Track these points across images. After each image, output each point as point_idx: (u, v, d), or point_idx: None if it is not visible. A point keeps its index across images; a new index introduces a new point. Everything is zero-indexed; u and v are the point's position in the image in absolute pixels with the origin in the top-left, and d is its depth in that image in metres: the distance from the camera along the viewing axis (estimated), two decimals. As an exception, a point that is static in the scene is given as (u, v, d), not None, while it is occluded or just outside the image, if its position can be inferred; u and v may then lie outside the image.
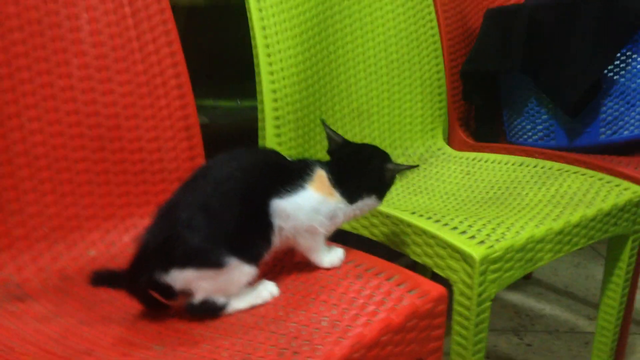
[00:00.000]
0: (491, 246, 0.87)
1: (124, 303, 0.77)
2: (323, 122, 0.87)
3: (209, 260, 0.68)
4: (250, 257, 0.71)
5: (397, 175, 0.82)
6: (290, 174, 0.74)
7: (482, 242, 0.88)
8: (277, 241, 0.74)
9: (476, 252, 0.85)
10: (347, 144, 0.83)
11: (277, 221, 0.73)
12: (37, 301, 0.78)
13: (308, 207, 0.74)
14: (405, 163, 1.39)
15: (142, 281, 0.70)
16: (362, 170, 0.78)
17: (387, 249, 0.98)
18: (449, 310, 0.82)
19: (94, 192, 0.90)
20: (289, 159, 0.78)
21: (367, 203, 0.78)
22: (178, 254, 0.68)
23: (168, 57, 0.96)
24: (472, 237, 0.89)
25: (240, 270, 0.70)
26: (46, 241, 0.85)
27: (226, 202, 0.69)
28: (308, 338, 0.62)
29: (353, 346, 0.61)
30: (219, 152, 1.02)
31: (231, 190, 0.70)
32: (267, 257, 0.74)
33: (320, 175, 0.76)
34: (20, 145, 0.83)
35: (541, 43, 1.29)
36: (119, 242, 0.90)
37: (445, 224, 0.93)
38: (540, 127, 1.39)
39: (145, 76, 0.93)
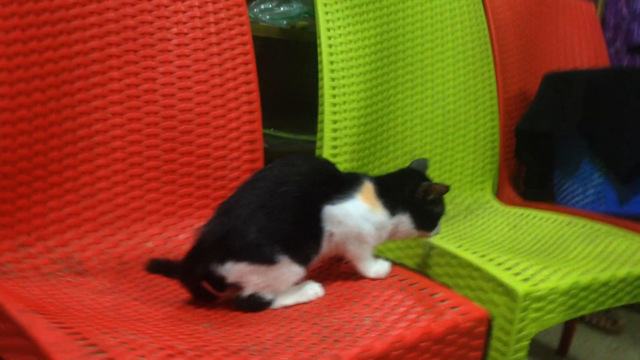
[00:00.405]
0: (535, 284, 0.88)
1: (176, 289, 0.81)
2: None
3: (263, 256, 0.72)
4: (300, 258, 0.74)
5: (441, 201, 0.85)
6: (342, 183, 0.79)
7: (526, 279, 0.89)
8: (326, 246, 0.77)
9: (520, 287, 0.86)
10: (412, 169, 0.87)
11: (327, 226, 0.76)
12: (95, 277, 0.83)
13: (357, 215, 0.77)
14: (453, 212, 1.41)
15: (197, 270, 0.74)
16: (400, 184, 0.82)
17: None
18: (487, 346, 0.83)
19: (159, 189, 0.96)
20: (340, 170, 0.83)
21: (402, 220, 0.81)
22: (235, 247, 0.72)
23: (243, 75, 1.03)
24: (517, 274, 0.90)
25: (290, 269, 0.74)
26: (111, 227, 0.91)
27: (283, 203, 0.74)
28: (350, 331, 0.65)
29: (393, 344, 0.63)
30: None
31: (288, 193, 0.74)
32: (316, 261, 0.77)
33: (368, 186, 0.80)
34: (102, 135, 0.91)
35: (598, 108, 1.32)
36: (174, 239, 0.95)
37: (491, 259, 0.95)
38: (591, 191, 1.40)
39: (221, 89, 1.00)
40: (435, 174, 1.42)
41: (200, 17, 1.00)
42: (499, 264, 0.93)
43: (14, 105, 0.80)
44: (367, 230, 0.78)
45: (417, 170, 0.88)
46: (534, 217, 1.35)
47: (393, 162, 1.35)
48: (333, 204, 0.77)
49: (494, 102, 1.48)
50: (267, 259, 0.71)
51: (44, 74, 0.84)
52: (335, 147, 1.19)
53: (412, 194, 0.83)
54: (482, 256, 0.96)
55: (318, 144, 1.21)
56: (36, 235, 0.83)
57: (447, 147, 1.42)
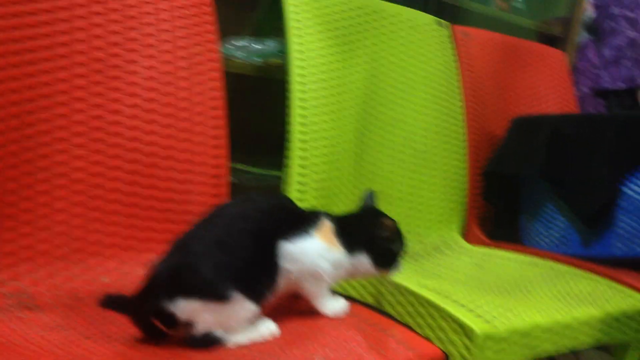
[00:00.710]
0: (495, 325, 0.88)
1: (129, 326, 0.79)
2: (369, 194, 0.92)
3: (214, 293, 0.71)
4: (254, 295, 0.73)
5: (394, 238, 0.84)
6: (299, 220, 0.78)
7: (485, 320, 0.89)
8: (282, 283, 0.76)
9: (479, 327, 0.86)
10: (369, 207, 0.87)
11: (283, 263, 0.76)
12: (46, 313, 0.80)
13: (313, 253, 0.77)
14: (420, 251, 1.42)
15: (147, 307, 0.73)
16: (359, 223, 0.82)
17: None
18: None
19: (119, 222, 0.94)
20: (299, 207, 0.83)
21: (361, 261, 0.81)
22: (186, 283, 0.71)
23: (211, 110, 1.03)
24: (477, 314, 0.90)
25: (243, 306, 0.73)
26: (65, 261, 0.89)
27: (237, 239, 0.73)
28: (302, 372, 0.64)
29: (344, 385, 0.62)
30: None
31: (243, 229, 0.74)
32: (270, 298, 0.76)
33: (326, 224, 0.80)
34: (62, 167, 0.90)
35: (563, 153, 1.35)
36: (132, 274, 0.94)
37: (452, 299, 0.95)
38: (556, 233, 1.42)
39: (189, 123, 1.00)
40: (404, 214, 1.42)
41: (170, 52, 1.00)
42: (460, 304, 0.93)
43: (-29, 134, 0.79)
44: (323, 268, 0.78)
45: (376, 210, 0.88)
46: (499, 257, 1.35)
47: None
48: (290, 241, 0.76)
49: (463, 144, 1.50)
50: (219, 296, 0.70)
51: (5, 103, 0.83)
52: (302, 183, 1.19)
53: (369, 233, 0.83)
54: (444, 295, 0.96)
55: (285, 179, 1.21)
56: (-13, 268, 0.81)
57: (415, 186, 1.43)
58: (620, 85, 1.85)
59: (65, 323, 0.78)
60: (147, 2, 1.01)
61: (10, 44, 0.85)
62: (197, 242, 0.72)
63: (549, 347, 0.95)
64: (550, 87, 1.79)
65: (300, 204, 1.18)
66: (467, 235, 1.52)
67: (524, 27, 2.04)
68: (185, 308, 0.71)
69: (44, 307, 0.82)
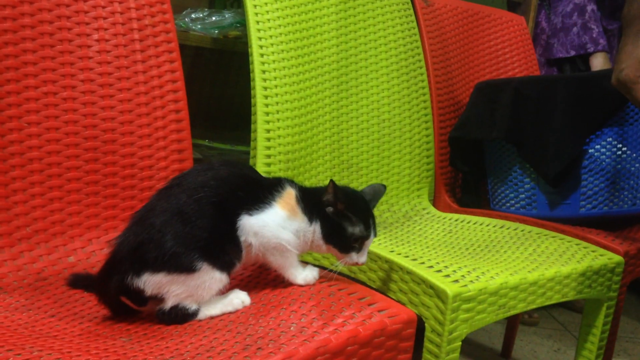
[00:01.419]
0: (465, 285, 0.88)
1: (94, 304, 0.77)
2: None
3: (181, 264, 0.69)
4: (222, 264, 0.72)
5: (350, 218, 0.79)
6: (261, 190, 0.76)
7: (456, 281, 0.89)
8: (246, 255, 0.75)
9: (450, 288, 0.86)
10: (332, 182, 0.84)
11: (244, 237, 0.74)
12: (11, 295, 0.78)
13: (274, 225, 0.75)
14: (390, 219, 1.42)
15: (113, 285, 0.71)
16: (319, 191, 0.79)
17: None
18: (419, 348, 0.82)
19: (81, 201, 0.92)
20: (262, 176, 0.81)
21: (315, 230, 0.78)
22: (151, 257, 0.69)
23: (170, 83, 1.01)
24: (447, 275, 0.91)
25: (212, 276, 0.71)
26: (28, 242, 0.86)
27: (199, 209, 0.71)
28: (274, 338, 0.63)
29: (318, 349, 0.61)
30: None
31: (204, 198, 0.72)
32: (239, 267, 0.75)
33: (289, 193, 0.78)
34: (16, 146, 0.86)
35: (526, 115, 1.36)
36: (99, 252, 0.91)
37: (422, 263, 0.95)
38: (522, 195, 1.43)
39: (146, 97, 0.97)
40: (372, 182, 1.41)
41: (122, 24, 0.97)
42: (430, 267, 0.93)
43: None
44: (285, 239, 0.76)
45: (347, 187, 0.85)
46: (469, 222, 1.36)
47: (329, 172, 1.35)
48: (250, 214, 0.74)
49: (428, 112, 1.50)
50: (185, 267, 0.69)
51: (-49, 81, 0.80)
52: (268, 156, 1.18)
53: (322, 199, 0.79)
54: (414, 260, 0.96)
55: (252, 153, 1.19)
56: (-57, 252, 0.78)
57: (383, 155, 1.43)
58: (572, 52, 1.86)
59: (31, 303, 0.76)
60: (98, -26, 0.97)
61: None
62: (157, 215, 0.70)
63: (519, 305, 0.96)
64: (512, 51, 1.80)
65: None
66: (436, 203, 1.53)
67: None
68: (152, 282, 0.69)
69: (7, 288, 0.80)
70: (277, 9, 1.25)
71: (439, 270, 0.92)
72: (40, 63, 0.89)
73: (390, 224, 1.38)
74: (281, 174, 1.20)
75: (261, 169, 1.17)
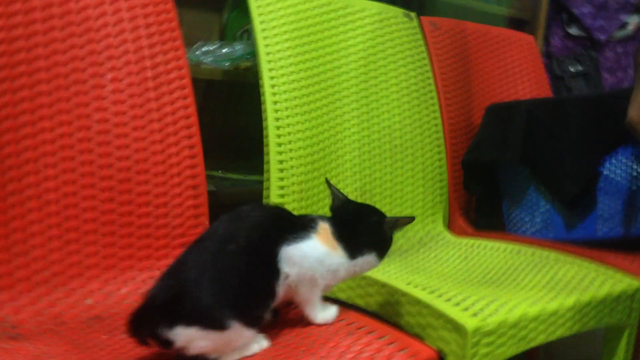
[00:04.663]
0: (484, 319, 0.87)
1: (114, 349, 0.77)
2: (327, 182, 0.90)
3: (214, 321, 0.69)
4: (252, 321, 0.72)
5: (394, 234, 0.84)
6: (297, 226, 0.77)
7: (475, 314, 0.88)
8: (281, 291, 0.75)
9: (469, 323, 0.85)
10: (349, 201, 0.86)
11: (284, 267, 0.74)
12: (30, 341, 0.78)
13: (313, 257, 0.76)
14: (405, 246, 1.41)
15: (144, 333, 0.71)
16: (362, 225, 0.80)
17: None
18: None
19: (98, 241, 0.92)
20: (293, 214, 0.81)
21: (367, 260, 0.80)
22: (184, 312, 0.69)
23: (183, 119, 1.01)
24: (466, 309, 0.90)
25: (241, 334, 0.71)
26: (46, 285, 0.87)
27: (232, 262, 0.71)
28: (294, 385, 0.62)
29: (339, 395, 0.61)
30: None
31: (237, 249, 0.72)
32: (267, 317, 0.75)
33: (325, 228, 0.78)
34: (34, 189, 0.87)
35: (539, 137, 1.35)
36: (116, 293, 0.91)
37: (440, 296, 0.94)
38: (538, 219, 1.42)
39: (160, 135, 0.98)
40: (386, 209, 1.41)
41: (135, 63, 0.98)
42: (448, 300, 0.92)
43: None
44: (320, 273, 0.77)
45: (364, 205, 0.86)
46: (485, 247, 1.35)
47: (343, 199, 1.34)
48: (289, 244, 0.75)
49: (440, 135, 1.50)
50: (217, 325, 0.69)
51: (-31, 128, 0.81)
52: (282, 187, 1.18)
53: (379, 235, 0.81)
54: (431, 292, 0.95)
55: (265, 184, 1.19)
56: (-36, 300, 0.78)
57: (396, 181, 1.43)
58: None
59: (51, 350, 0.76)
60: (107, 14, 0.98)
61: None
62: (190, 269, 0.70)
63: (540, 337, 0.94)
64: (522, 71, 1.79)
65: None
66: (451, 226, 1.52)
67: (492, 13, 2.04)
68: (183, 335, 0.69)
69: (28, 335, 0.80)
70: (287, 40, 1.26)
71: (457, 303, 0.91)
72: (56, 105, 0.90)
73: (405, 251, 1.38)
74: (295, 204, 1.20)
75: (275, 199, 1.17)
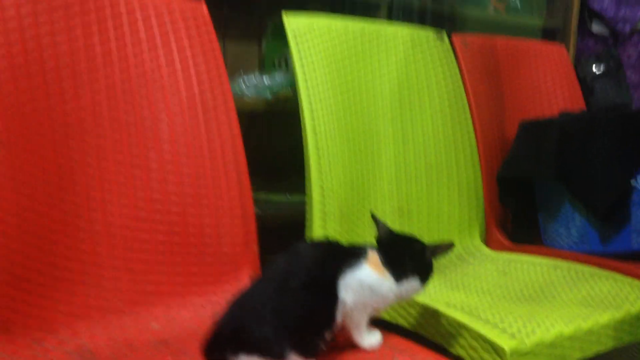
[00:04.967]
0: (522, 340, 0.92)
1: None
2: (373, 215, 0.97)
3: (272, 352, 0.76)
4: (311, 352, 0.79)
5: (435, 260, 0.90)
6: (350, 255, 0.84)
7: (513, 335, 0.93)
8: (339, 317, 0.82)
9: (507, 344, 0.91)
10: (393, 232, 0.92)
11: (342, 295, 0.82)
12: (105, 367, 0.87)
13: (367, 283, 0.83)
14: (444, 261, 1.46)
15: (215, 358, 0.79)
16: (407, 252, 0.87)
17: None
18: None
19: (161, 271, 1.01)
20: (344, 244, 0.89)
21: (412, 284, 0.86)
22: (248, 341, 0.77)
23: (231, 154, 1.09)
24: (504, 330, 0.95)
25: None
26: (117, 313, 0.95)
27: (292, 296, 0.79)
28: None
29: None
30: (270, 240, 1.13)
31: (296, 285, 0.80)
32: (324, 346, 0.82)
33: (374, 256, 0.85)
34: (102, 226, 0.96)
35: (572, 152, 1.39)
36: (178, 317, 1.00)
37: (478, 316, 1.00)
38: (574, 231, 1.45)
39: (211, 171, 1.06)
40: (424, 225, 1.47)
41: (187, 102, 1.06)
42: (486, 321, 0.98)
43: (19, 208, 0.86)
44: (372, 298, 0.84)
45: (406, 235, 0.93)
46: (522, 262, 1.40)
47: (382, 219, 1.40)
48: (346, 273, 0.82)
49: (474, 152, 1.54)
50: (276, 356, 0.76)
51: (40, 173, 0.90)
52: (324, 211, 1.24)
53: (422, 261, 0.88)
54: (470, 313, 1.01)
55: (308, 208, 1.26)
56: (49, 330, 0.87)
57: (433, 199, 1.48)
58: None
59: (123, 376, 0.84)
60: (160, 57, 1.07)
61: (47, 121, 0.91)
62: (255, 303, 0.79)
63: (576, 354, 0.99)
64: (555, 82, 1.82)
65: (323, 231, 1.25)
66: (489, 241, 1.57)
67: (525, 25, 2.07)
68: None
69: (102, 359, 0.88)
70: (323, 67, 1.32)
71: (495, 324, 0.97)
72: (117, 146, 0.99)
73: (444, 267, 1.43)
74: (337, 227, 1.27)
75: (317, 222, 1.24)
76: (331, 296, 0.81)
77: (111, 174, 0.98)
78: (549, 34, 2.14)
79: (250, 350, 0.76)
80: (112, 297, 0.95)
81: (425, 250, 0.89)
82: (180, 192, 1.04)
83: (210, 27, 1.13)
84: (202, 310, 1.02)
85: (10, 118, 0.86)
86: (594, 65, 2.16)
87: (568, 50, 2.12)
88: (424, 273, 0.88)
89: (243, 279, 1.06)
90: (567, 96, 1.83)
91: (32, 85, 0.90)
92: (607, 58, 2.18)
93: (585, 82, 2.18)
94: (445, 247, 0.90)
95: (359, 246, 0.88)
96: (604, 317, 1.04)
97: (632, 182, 1.36)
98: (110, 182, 0.98)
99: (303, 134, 1.27)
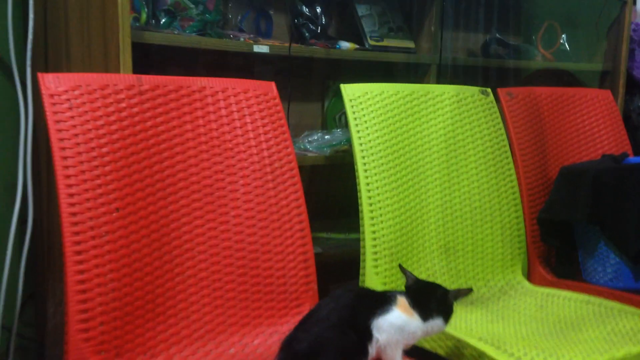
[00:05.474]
0: (538, 372, 1.08)
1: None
2: (401, 267, 1.16)
3: None
4: None
5: (456, 302, 1.08)
6: (382, 300, 1.04)
7: (531, 368, 1.10)
8: (373, 352, 1.01)
9: (524, 376, 1.07)
10: (419, 280, 1.11)
11: (375, 334, 1.01)
12: (194, 384, 1.10)
13: (397, 325, 1.02)
14: (487, 294, 1.62)
15: None
16: (431, 295, 1.05)
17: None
18: None
19: (236, 305, 1.23)
20: (376, 291, 1.08)
21: (436, 323, 1.04)
22: None
23: (295, 208, 1.31)
24: (524, 363, 1.11)
25: None
26: (201, 340, 1.18)
27: (333, 335, 0.99)
28: None
29: None
30: (330, 276, 1.34)
31: (337, 324, 1.00)
32: None
33: (402, 300, 1.04)
34: (191, 270, 1.20)
35: (605, 200, 1.52)
36: (251, 344, 1.22)
37: (505, 350, 1.16)
38: (609, 269, 1.58)
39: (278, 223, 1.28)
40: (469, 262, 1.63)
41: (258, 165, 1.29)
42: (511, 354, 1.14)
43: (129, 260, 1.11)
44: (403, 336, 1.03)
45: (431, 282, 1.11)
46: (559, 297, 1.53)
47: (430, 256, 1.58)
48: (378, 316, 1.02)
49: (517, 196, 1.69)
50: None
51: (149, 232, 1.15)
52: (375, 252, 1.44)
53: (444, 302, 1.06)
54: (498, 347, 1.17)
55: (361, 251, 1.46)
56: (150, 354, 1.11)
57: (477, 238, 1.64)
58: None
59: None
60: (237, 127, 1.30)
61: (159, 194, 1.17)
62: (300, 342, 0.98)
63: (591, 384, 1.14)
64: (600, 127, 1.94)
65: (375, 270, 1.44)
66: (531, 276, 1.71)
67: (573, 70, 2.20)
68: None
69: (192, 381, 1.12)
70: (376, 125, 1.52)
71: (519, 358, 1.13)
72: (205, 208, 1.23)
73: (487, 299, 1.59)
74: (387, 266, 1.46)
75: (370, 264, 1.43)
76: (366, 335, 1.00)
77: (199, 228, 1.22)
78: (600, 77, 2.25)
79: None
80: (199, 328, 1.18)
81: (448, 294, 1.06)
82: (254, 241, 1.26)
83: (278, 101, 1.36)
84: (270, 338, 1.24)
85: (123, 189, 1.12)
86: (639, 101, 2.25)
87: (618, 90, 2.23)
88: (446, 313, 1.06)
89: (304, 312, 1.27)
90: (612, 139, 1.94)
91: (139, 161, 1.16)
92: None
93: (631, 119, 2.27)
94: (464, 292, 1.07)
95: (390, 292, 1.07)
96: (620, 352, 1.18)
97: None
98: (199, 235, 1.22)
99: (357, 187, 1.47)
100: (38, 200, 1.57)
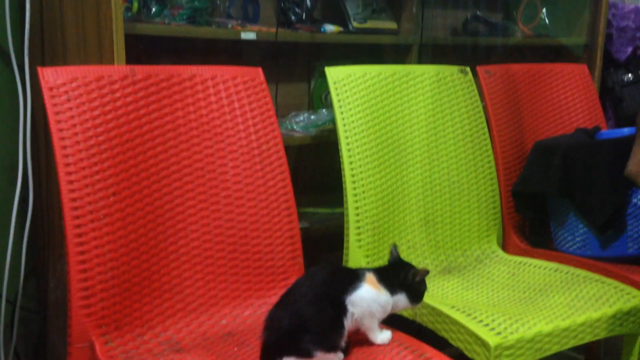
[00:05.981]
0: (505, 337, 1.19)
1: (243, 358, 1.17)
2: (393, 246, 1.24)
3: (301, 352, 1.05)
4: (330, 347, 1.08)
5: (424, 279, 1.16)
6: (352, 277, 1.12)
7: (499, 333, 1.20)
8: (349, 324, 1.11)
9: (492, 340, 1.17)
10: (396, 259, 1.20)
11: (350, 309, 1.10)
12: (189, 353, 1.20)
13: (368, 298, 1.11)
14: (464, 263, 1.73)
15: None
16: (395, 272, 1.15)
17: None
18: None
19: (227, 279, 1.32)
20: (348, 268, 1.17)
21: (400, 298, 1.13)
22: (285, 347, 1.06)
23: (281, 188, 1.39)
24: (492, 328, 1.22)
25: (324, 357, 1.07)
26: (195, 312, 1.28)
27: (312, 308, 1.07)
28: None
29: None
30: (318, 249, 1.43)
31: (314, 300, 1.08)
32: (342, 344, 1.11)
33: (370, 276, 1.13)
34: (185, 248, 1.28)
35: (574, 175, 1.61)
36: (241, 315, 1.32)
37: (474, 317, 1.26)
38: (578, 238, 1.68)
39: (266, 202, 1.37)
40: (447, 233, 1.73)
41: (247, 147, 1.37)
42: (480, 321, 1.24)
43: (126, 240, 1.19)
44: (375, 308, 1.12)
45: (403, 261, 1.20)
46: (530, 265, 1.64)
47: (410, 228, 1.68)
48: (351, 292, 1.11)
49: (492, 170, 1.78)
50: (308, 355, 1.05)
51: (145, 214, 1.23)
52: (358, 227, 1.53)
53: (406, 278, 1.15)
54: (468, 315, 1.28)
55: (345, 225, 1.55)
56: (147, 326, 1.21)
57: (455, 210, 1.74)
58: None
59: (202, 359, 1.17)
60: (226, 113, 1.37)
61: (156, 181, 1.24)
62: (284, 318, 1.07)
63: (553, 347, 1.24)
64: (575, 101, 2.02)
65: (359, 242, 1.53)
66: (506, 245, 1.81)
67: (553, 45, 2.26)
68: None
69: (186, 348, 1.21)
70: (359, 106, 1.59)
71: (487, 324, 1.23)
72: (197, 189, 1.31)
73: (464, 268, 1.69)
74: (370, 240, 1.55)
75: (353, 237, 1.53)
76: (342, 310, 1.09)
77: (192, 209, 1.30)
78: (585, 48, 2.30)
79: (289, 353, 1.05)
80: (192, 301, 1.28)
81: (408, 272, 1.14)
82: (243, 220, 1.35)
83: (265, 86, 1.43)
84: (259, 309, 1.34)
85: (119, 174, 1.20)
86: (622, 74, 2.33)
87: (595, 63, 2.30)
88: (409, 290, 1.14)
89: (291, 284, 1.37)
90: (586, 112, 2.02)
91: (134, 148, 1.23)
92: (636, 66, 2.34)
93: (614, 91, 2.35)
94: (422, 272, 1.15)
95: (361, 269, 1.15)
96: (582, 317, 1.28)
97: (632, 198, 1.58)
98: (191, 215, 1.30)
99: (341, 165, 1.55)
100: (37, 180, 1.65)
